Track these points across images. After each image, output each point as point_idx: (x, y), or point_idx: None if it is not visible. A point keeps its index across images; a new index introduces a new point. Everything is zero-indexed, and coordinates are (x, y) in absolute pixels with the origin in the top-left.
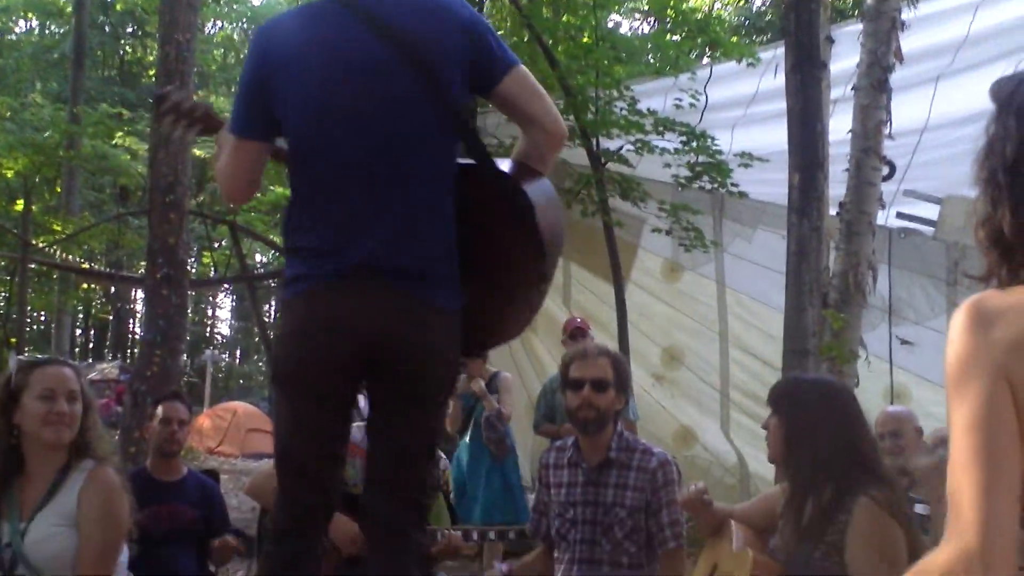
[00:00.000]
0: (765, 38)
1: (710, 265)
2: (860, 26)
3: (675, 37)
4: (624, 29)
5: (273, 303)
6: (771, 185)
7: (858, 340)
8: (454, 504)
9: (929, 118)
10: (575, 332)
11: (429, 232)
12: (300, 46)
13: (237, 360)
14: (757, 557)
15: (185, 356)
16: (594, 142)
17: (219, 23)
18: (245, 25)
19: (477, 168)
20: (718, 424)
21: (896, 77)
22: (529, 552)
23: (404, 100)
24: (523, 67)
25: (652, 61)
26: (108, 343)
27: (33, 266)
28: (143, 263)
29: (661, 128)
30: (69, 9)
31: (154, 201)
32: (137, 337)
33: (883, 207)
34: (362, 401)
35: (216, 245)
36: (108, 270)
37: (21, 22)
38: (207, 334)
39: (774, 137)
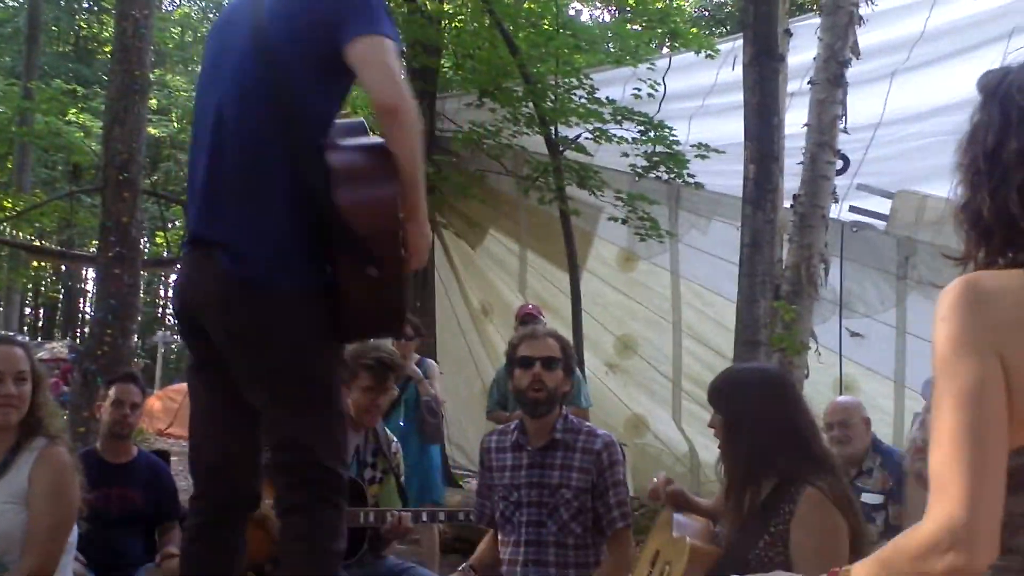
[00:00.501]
0: (725, 29)
1: (665, 255)
2: (819, 20)
3: (635, 27)
4: (584, 17)
5: None
6: (727, 177)
7: (809, 332)
8: None
9: (884, 113)
10: (526, 318)
11: (246, 200)
12: (217, 24)
13: None
14: (694, 544)
15: (136, 337)
16: (552, 130)
17: (177, 0)
18: (203, 3)
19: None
20: (670, 413)
21: (852, 72)
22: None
23: (245, 85)
24: (380, 39)
25: (612, 50)
26: (58, 322)
27: None
28: (95, 242)
29: (619, 117)
30: None
31: (108, 178)
32: (88, 316)
33: (836, 201)
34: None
35: (170, 225)
36: (59, 248)
37: None
38: (159, 315)
39: (731, 129)
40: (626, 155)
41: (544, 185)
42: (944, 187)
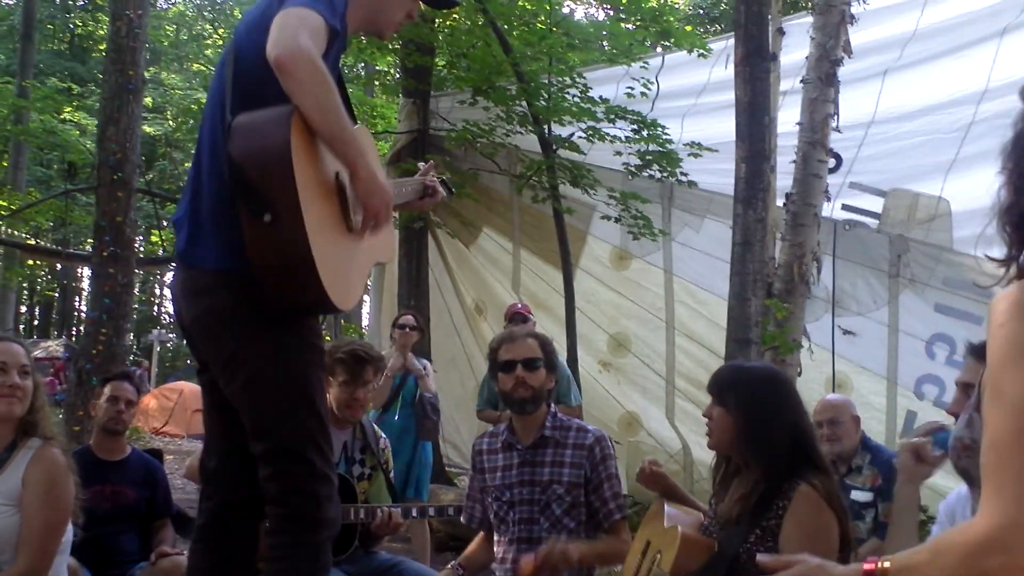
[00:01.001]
0: (719, 27)
1: (658, 253)
2: (811, 19)
3: (629, 26)
4: (579, 15)
5: None
6: (720, 175)
7: (801, 330)
8: None
9: (876, 112)
10: (515, 317)
11: (203, 202)
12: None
13: (184, 340)
14: (685, 533)
15: (132, 335)
16: (546, 129)
17: None
18: (199, 1)
19: None
20: (663, 411)
21: (844, 71)
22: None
23: (214, 87)
24: (299, 8)
25: (606, 48)
26: (53, 321)
27: None
28: (90, 240)
29: (612, 116)
30: None
31: (102, 178)
32: (83, 315)
33: (829, 199)
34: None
35: (164, 224)
36: (54, 247)
37: None
38: (154, 313)
39: (724, 127)
40: (619, 154)
41: (537, 184)
42: (936, 185)
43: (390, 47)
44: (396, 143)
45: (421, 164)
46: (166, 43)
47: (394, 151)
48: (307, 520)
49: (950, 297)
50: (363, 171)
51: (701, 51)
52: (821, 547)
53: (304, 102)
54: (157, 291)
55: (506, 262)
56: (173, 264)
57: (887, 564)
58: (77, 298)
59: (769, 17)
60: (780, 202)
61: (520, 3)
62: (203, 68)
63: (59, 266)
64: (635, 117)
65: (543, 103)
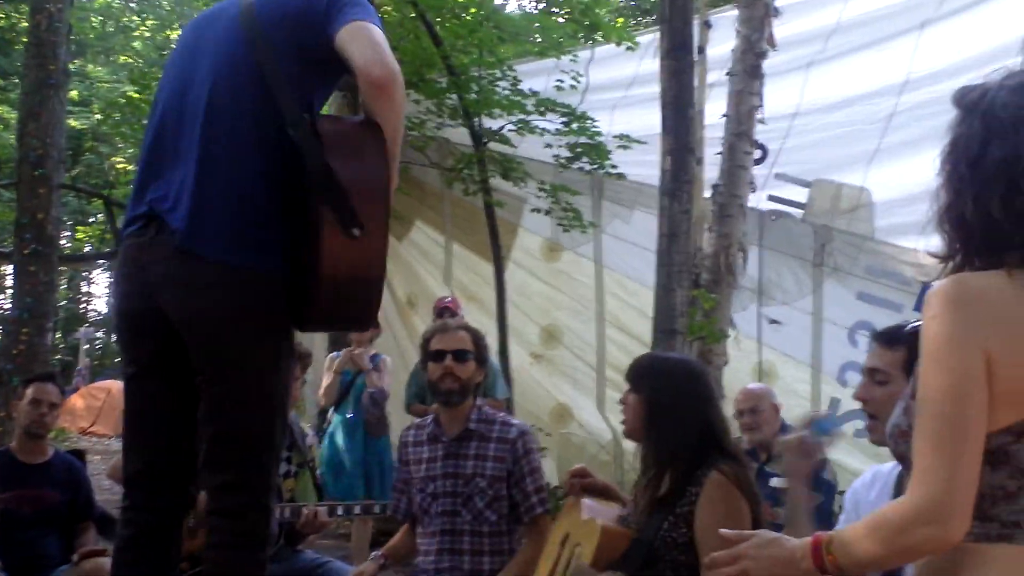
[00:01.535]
0: (651, 19)
1: (589, 245)
2: (737, 12)
3: (560, 19)
4: (512, 7)
5: None
6: (649, 167)
7: (728, 320)
8: (330, 481)
9: (800, 103)
10: (443, 311)
11: (220, 185)
12: (194, 23)
13: (112, 338)
14: (604, 525)
15: (59, 334)
16: (476, 121)
17: None
18: None
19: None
20: (594, 402)
21: (769, 63)
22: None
23: (234, 64)
24: (366, 23)
25: (536, 41)
26: None
27: None
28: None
29: (542, 109)
30: None
31: (22, 174)
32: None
33: (754, 190)
34: None
35: (92, 219)
36: None
37: None
38: (82, 311)
39: (652, 119)
40: (549, 146)
41: (468, 177)
42: (858, 176)
43: None
44: None
45: None
46: (92, 36)
47: None
48: (260, 536)
49: (872, 285)
50: (394, 181)
51: (629, 44)
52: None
53: (391, 123)
54: (84, 288)
55: (438, 255)
56: (109, 252)
57: (831, 536)
58: (2, 295)
59: (696, 10)
60: (708, 193)
61: None
62: (130, 60)
63: None
64: (565, 110)
65: (473, 96)
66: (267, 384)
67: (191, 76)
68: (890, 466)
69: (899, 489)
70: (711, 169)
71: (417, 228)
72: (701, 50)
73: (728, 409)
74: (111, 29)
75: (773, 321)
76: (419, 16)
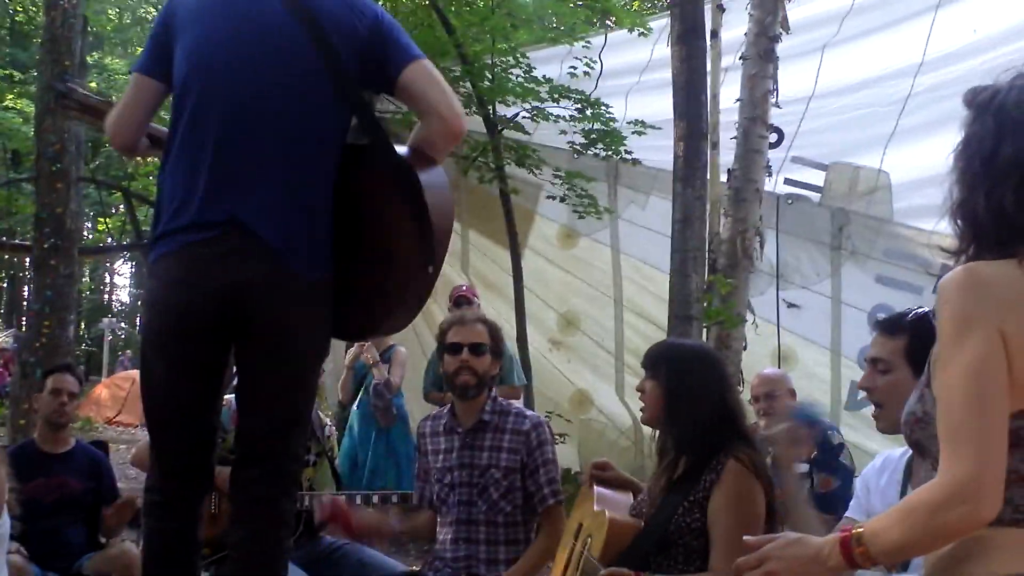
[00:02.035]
0: (665, 3)
1: (605, 231)
2: None
3: (572, 5)
4: None
5: None
6: (664, 152)
7: (746, 304)
8: (347, 473)
9: (816, 86)
10: (459, 300)
11: (301, 198)
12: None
13: (136, 328)
14: (612, 517)
15: (82, 325)
16: (490, 109)
17: None
18: None
19: (371, 148)
20: (613, 388)
21: (783, 46)
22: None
23: (302, 69)
24: (428, 61)
25: (548, 26)
26: (2, 311)
27: None
28: None
29: (556, 95)
30: None
31: (40, 169)
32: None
33: (770, 174)
34: None
35: (114, 210)
36: None
37: None
38: (105, 302)
39: (666, 104)
40: (564, 132)
41: (483, 164)
42: (875, 158)
43: None
44: None
45: None
46: (109, 28)
47: None
48: (289, 523)
49: (891, 268)
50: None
51: (642, 30)
52: (748, 517)
53: (440, 162)
54: (108, 280)
55: (455, 243)
56: (129, 244)
57: (860, 529)
58: (26, 288)
59: None
60: (724, 178)
61: None
62: None
63: (6, 255)
64: (579, 96)
65: (487, 84)
66: (313, 381)
67: (246, 68)
68: (900, 451)
69: (908, 475)
70: (727, 153)
71: None
72: (715, 34)
73: (746, 394)
74: (128, 21)
75: (792, 305)
76: (431, 5)
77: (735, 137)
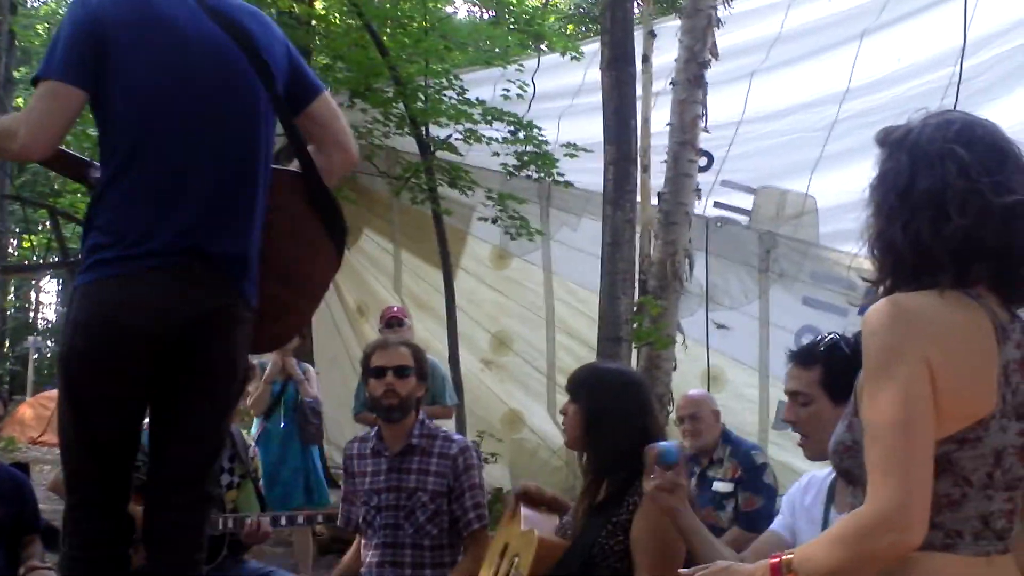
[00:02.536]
0: (599, 27)
1: (537, 252)
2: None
3: (508, 28)
4: (462, 15)
5: None
6: (596, 175)
7: (676, 325)
8: (266, 490)
9: (744, 112)
10: (391, 321)
11: (253, 222)
12: (142, 13)
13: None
14: (542, 537)
15: (7, 343)
16: (423, 130)
17: None
18: None
19: (290, 169)
20: (545, 407)
21: (713, 73)
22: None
23: (250, 94)
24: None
25: (483, 49)
26: None
27: None
28: None
29: (489, 118)
30: None
31: None
32: None
33: (700, 197)
34: None
35: (40, 227)
36: None
37: None
38: (31, 320)
39: (599, 128)
40: (497, 154)
41: (416, 185)
42: (802, 183)
43: None
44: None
45: None
46: (37, 42)
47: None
48: (204, 546)
49: (817, 290)
50: None
51: (574, 54)
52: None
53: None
54: (33, 296)
55: (387, 263)
56: (55, 262)
57: (790, 556)
58: None
59: (641, 20)
60: (655, 201)
61: (400, 2)
62: None
63: None
64: (512, 118)
65: (420, 105)
66: (236, 399)
67: (203, 96)
68: (825, 472)
69: (831, 496)
70: (658, 176)
71: (366, 236)
72: (646, 58)
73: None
74: None
75: (721, 326)
76: (365, 26)
77: (665, 161)
